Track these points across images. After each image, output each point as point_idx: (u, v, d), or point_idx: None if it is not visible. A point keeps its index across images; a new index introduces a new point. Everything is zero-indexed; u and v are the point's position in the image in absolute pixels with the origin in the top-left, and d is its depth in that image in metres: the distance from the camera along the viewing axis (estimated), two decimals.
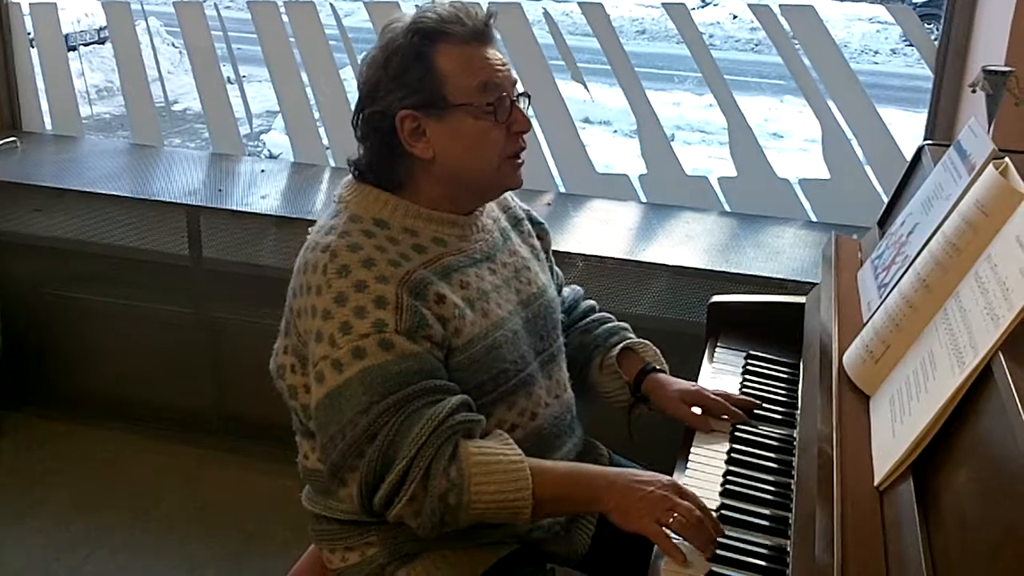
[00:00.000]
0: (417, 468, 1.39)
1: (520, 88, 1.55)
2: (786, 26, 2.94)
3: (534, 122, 1.58)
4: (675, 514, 1.34)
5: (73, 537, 2.70)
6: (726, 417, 1.68)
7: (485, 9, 1.53)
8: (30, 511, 2.80)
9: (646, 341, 1.82)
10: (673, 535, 1.34)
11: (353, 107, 1.56)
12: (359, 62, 1.56)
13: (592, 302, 1.90)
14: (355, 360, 1.41)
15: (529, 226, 1.76)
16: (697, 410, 1.68)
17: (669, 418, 1.71)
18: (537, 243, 1.76)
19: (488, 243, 1.61)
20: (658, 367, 1.77)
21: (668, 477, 1.43)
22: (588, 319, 1.85)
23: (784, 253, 2.66)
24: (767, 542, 1.38)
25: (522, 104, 1.54)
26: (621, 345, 1.78)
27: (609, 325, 1.84)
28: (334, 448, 1.43)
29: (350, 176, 1.60)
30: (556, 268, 1.82)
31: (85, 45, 8.19)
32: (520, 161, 1.56)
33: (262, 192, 3.05)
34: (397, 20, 1.52)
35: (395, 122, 1.49)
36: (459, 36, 1.49)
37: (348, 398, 1.41)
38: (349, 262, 1.45)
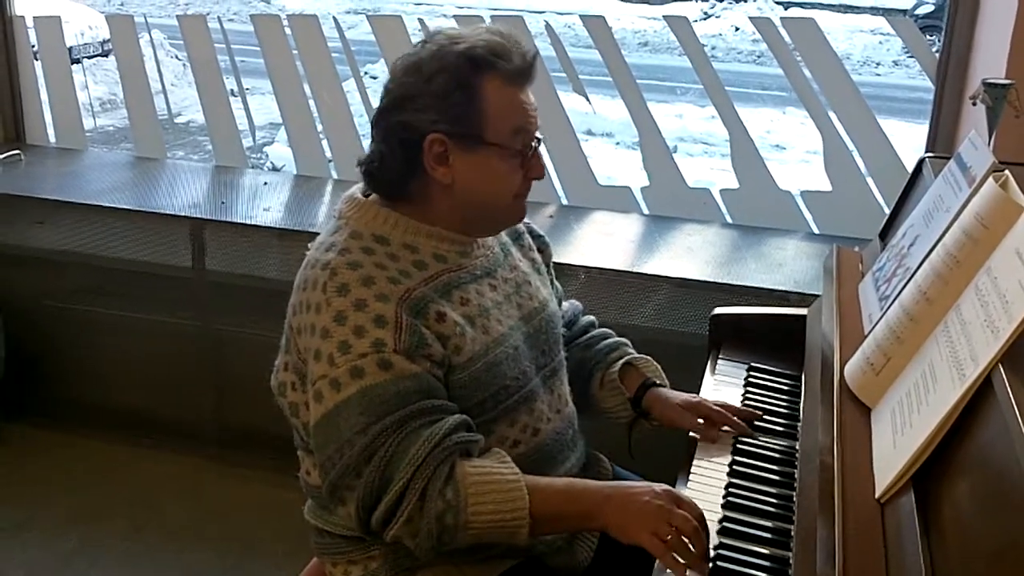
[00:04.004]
0: (413, 489, 1.38)
1: (539, 133, 1.56)
2: (787, 38, 2.95)
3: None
4: (673, 528, 1.34)
5: (73, 548, 2.70)
6: (728, 429, 1.68)
7: (533, 48, 1.52)
8: (30, 522, 2.80)
9: (647, 356, 1.81)
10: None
11: (376, 107, 1.53)
12: (398, 58, 1.52)
13: (591, 317, 1.90)
14: (353, 380, 1.40)
15: (529, 239, 1.76)
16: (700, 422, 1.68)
17: (672, 428, 1.71)
18: (538, 256, 1.75)
19: (488, 259, 1.61)
20: (659, 382, 1.77)
21: (663, 485, 1.42)
22: (588, 335, 1.84)
23: (786, 265, 2.66)
24: (769, 554, 1.38)
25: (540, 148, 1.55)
26: (622, 361, 1.78)
27: (609, 341, 1.83)
28: (332, 468, 1.43)
29: (350, 191, 1.59)
30: (556, 282, 1.81)
31: (89, 58, 8.21)
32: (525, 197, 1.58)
33: (265, 204, 3.05)
34: (448, 35, 1.50)
35: (422, 141, 1.48)
36: (507, 73, 1.48)
37: (346, 418, 1.41)
38: (348, 280, 1.44)
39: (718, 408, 1.69)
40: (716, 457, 1.62)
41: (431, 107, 1.47)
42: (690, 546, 1.33)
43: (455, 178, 1.50)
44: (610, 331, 1.87)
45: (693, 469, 1.59)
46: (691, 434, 1.69)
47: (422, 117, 1.47)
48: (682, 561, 1.33)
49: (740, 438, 1.67)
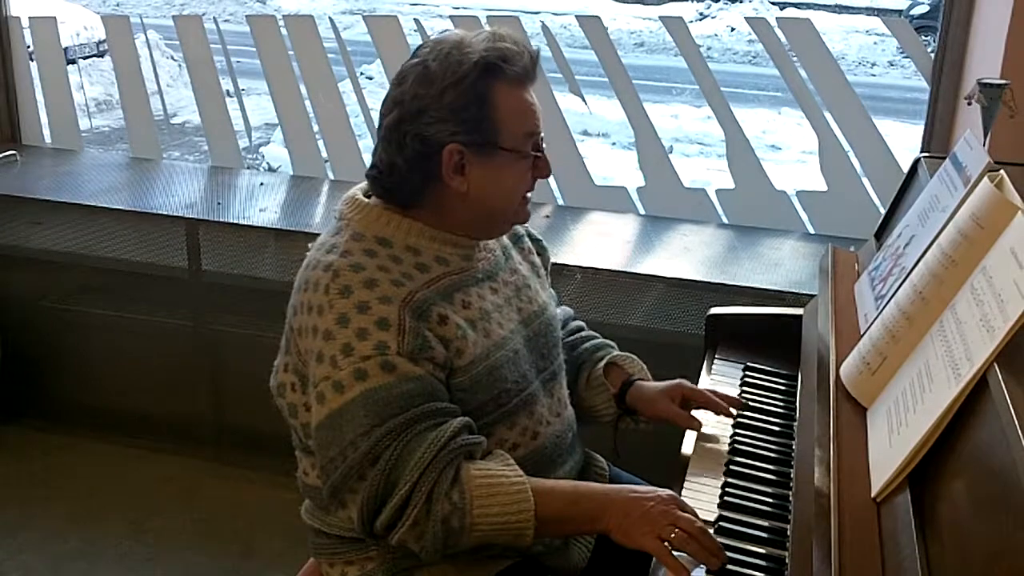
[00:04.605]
0: (420, 493, 1.38)
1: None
2: (783, 39, 2.95)
3: None
4: (676, 528, 1.34)
5: (71, 550, 2.70)
6: (710, 411, 1.70)
7: (534, 47, 1.53)
8: (28, 523, 2.79)
9: (631, 355, 1.82)
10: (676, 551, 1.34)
11: (385, 116, 1.51)
12: (403, 68, 1.51)
13: (580, 323, 1.90)
14: (357, 382, 1.40)
15: (529, 242, 1.76)
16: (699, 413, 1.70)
17: (657, 422, 1.72)
18: (537, 259, 1.76)
19: (490, 262, 1.61)
20: (642, 377, 1.78)
21: (667, 490, 1.43)
22: (573, 336, 1.85)
23: (782, 265, 2.66)
24: (766, 553, 1.38)
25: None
26: (606, 359, 1.79)
27: (595, 341, 1.84)
28: (334, 470, 1.42)
29: (351, 192, 1.59)
30: (550, 288, 1.80)
31: (84, 58, 8.19)
32: (529, 198, 1.59)
33: (261, 205, 3.05)
34: (453, 42, 1.49)
35: (440, 152, 1.48)
36: (515, 77, 1.49)
37: (349, 420, 1.40)
38: (351, 282, 1.44)
39: (698, 388, 1.72)
40: (712, 456, 1.63)
41: (447, 119, 1.47)
42: (700, 545, 1.34)
43: (470, 185, 1.50)
44: (596, 334, 1.88)
45: (689, 469, 1.60)
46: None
47: (439, 129, 1.47)
48: (686, 562, 1.33)
49: (737, 436, 1.67)
